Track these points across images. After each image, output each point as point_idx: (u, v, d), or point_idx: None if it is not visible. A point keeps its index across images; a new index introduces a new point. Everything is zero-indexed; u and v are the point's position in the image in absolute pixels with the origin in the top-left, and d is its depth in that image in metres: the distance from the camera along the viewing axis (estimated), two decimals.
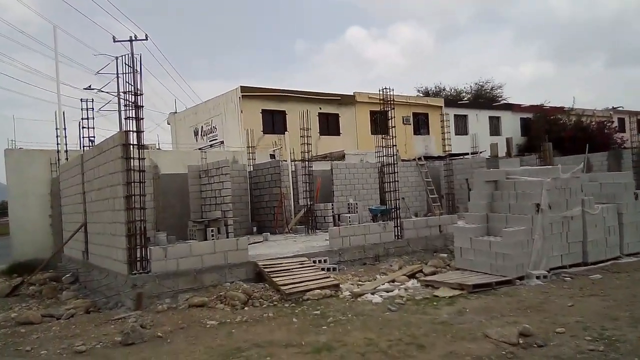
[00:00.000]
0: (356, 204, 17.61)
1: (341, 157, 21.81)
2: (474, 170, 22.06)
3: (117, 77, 29.17)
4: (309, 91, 24.52)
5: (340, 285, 8.72)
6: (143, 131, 8.61)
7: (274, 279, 8.62)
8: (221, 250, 8.95)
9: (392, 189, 11.82)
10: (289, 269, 9.11)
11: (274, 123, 23.39)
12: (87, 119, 11.28)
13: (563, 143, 28.50)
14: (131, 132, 8.50)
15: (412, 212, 19.81)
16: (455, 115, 29.77)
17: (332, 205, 16.92)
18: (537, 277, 8.49)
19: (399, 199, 11.83)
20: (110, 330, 6.85)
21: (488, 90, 45.40)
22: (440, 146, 28.63)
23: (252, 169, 17.68)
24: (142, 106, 8.55)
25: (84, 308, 8.61)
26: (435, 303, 7.47)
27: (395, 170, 11.99)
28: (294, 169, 17.50)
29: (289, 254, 10.08)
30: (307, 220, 15.88)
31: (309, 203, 15.21)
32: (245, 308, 7.80)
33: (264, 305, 7.92)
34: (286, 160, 17.41)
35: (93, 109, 11.47)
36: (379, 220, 17.09)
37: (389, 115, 11.96)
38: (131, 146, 8.49)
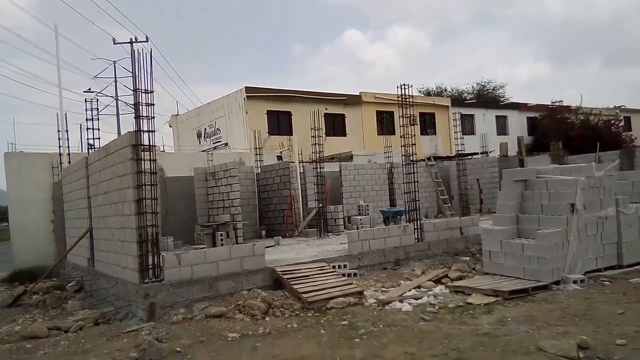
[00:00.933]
0: (367, 205, 17.12)
1: (349, 158, 21.33)
2: (485, 170, 21.72)
3: (115, 81, 28.81)
4: (314, 91, 24.04)
5: (364, 292, 8.22)
6: (155, 131, 8.11)
7: (294, 286, 8.11)
8: (237, 256, 8.44)
9: (410, 190, 11.31)
10: (309, 275, 8.60)
11: (280, 124, 22.91)
12: (92, 119, 10.77)
13: (572, 142, 28.04)
14: (141, 132, 7.99)
15: (422, 214, 19.30)
16: (462, 114, 29.29)
17: (342, 207, 16.43)
18: (574, 282, 7.99)
19: (417, 200, 11.32)
20: (124, 344, 6.33)
21: (490, 90, 44.99)
22: (448, 146, 28.24)
23: (259, 171, 17.16)
24: (153, 104, 8.06)
25: (92, 319, 8.08)
26: (471, 311, 6.96)
27: (414, 170, 11.47)
28: (302, 171, 17.01)
29: (307, 259, 9.57)
30: (317, 223, 15.39)
31: (320, 205, 14.71)
32: (266, 318, 7.29)
33: (286, 315, 7.41)
34: (294, 162, 16.92)
35: (98, 109, 10.95)
36: (390, 222, 16.63)
37: (406, 113, 11.47)
38: (141, 147, 7.99)
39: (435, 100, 28.83)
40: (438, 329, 6.20)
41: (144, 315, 7.46)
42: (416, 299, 7.82)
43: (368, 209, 16.95)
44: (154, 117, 8.06)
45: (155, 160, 8.05)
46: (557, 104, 34.21)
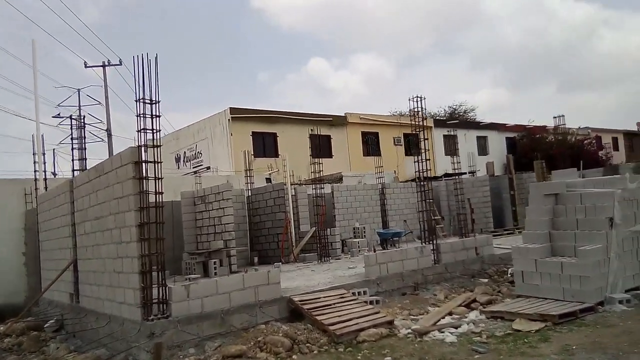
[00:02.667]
0: (364, 227, 16.38)
1: (339, 179, 20.65)
2: (476, 189, 21.38)
3: (80, 109, 27.50)
4: (300, 112, 23.43)
5: (394, 322, 7.41)
6: (161, 145, 7.21)
7: (318, 317, 7.23)
8: (251, 286, 7.52)
9: (424, 209, 10.66)
10: (330, 305, 7.74)
11: (265, 146, 22.11)
12: (80, 137, 9.73)
13: (552, 161, 28.21)
14: (145, 147, 7.09)
15: (415, 235, 18.69)
16: (444, 135, 29.23)
17: (337, 230, 15.64)
18: (620, 302, 7.41)
19: (434, 219, 10.67)
20: None
21: (461, 113, 45.59)
22: (432, 167, 28.00)
23: (250, 194, 16.24)
24: (160, 115, 7.18)
25: None
26: (525, 340, 6.24)
27: (429, 187, 10.86)
28: (293, 193, 16.20)
29: (321, 286, 8.71)
30: (312, 248, 14.55)
31: (318, 229, 13.88)
32: (293, 356, 6.40)
33: (314, 351, 6.52)
34: (285, 184, 16.10)
35: (84, 126, 9.92)
36: (388, 244, 15.93)
37: (417, 131, 10.91)
38: (145, 164, 7.08)
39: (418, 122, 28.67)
40: None
41: (149, 358, 6.42)
42: (455, 328, 7.06)
43: (365, 231, 16.21)
44: (159, 131, 7.18)
45: (162, 178, 7.14)
46: (532, 124, 34.74)
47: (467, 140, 30.25)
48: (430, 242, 10.22)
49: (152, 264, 6.91)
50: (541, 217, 8.54)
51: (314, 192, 14.07)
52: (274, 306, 7.67)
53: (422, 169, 10.85)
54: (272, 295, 7.69)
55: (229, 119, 21.09)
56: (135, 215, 6.98)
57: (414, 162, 11.05)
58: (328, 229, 14.87)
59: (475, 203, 20.72)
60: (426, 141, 10.92)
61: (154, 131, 7.18)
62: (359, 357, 6.16)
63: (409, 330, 7.09)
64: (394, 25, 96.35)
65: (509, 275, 10.22)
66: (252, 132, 21.67)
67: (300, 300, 7.73)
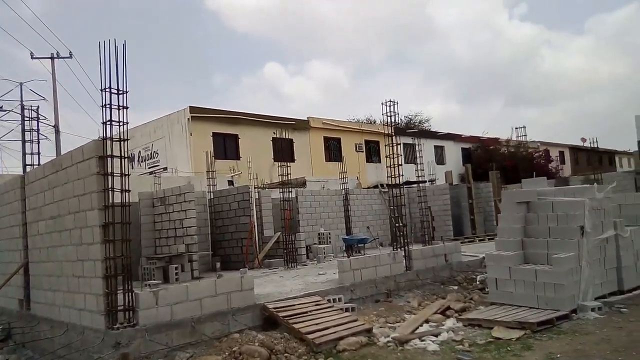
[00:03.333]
0: (329, 233, 16.17)
1: (302, 184, 20.37)
2: (437, 197, 21.66)
3: (22, 103, 25.82)
4: (262, 114, 23.02)
5: (373, 330, 7.20)
6: (128, 139, 6.72)
7: (295, 326, 6.91)
8: (223, 292, 7.12)
9: (398, 214, 10.57)
10: (306, 312, 7.44)
11: (226, 147, 21.53)
12: (32, 131, 8.98)
13: (506, 172, 29.13)
14: (111, 141, 6.58)
15: (378, 242, 18.67)
16: (404, 143, 29.51)
17: (301, 235, 15.34)
18: (592, 310, 7.52)
19: (405, 225, 10.60)
20: None
21: (417, 123, 46.58)
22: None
23: (212, 197, 15.69)
24: (127, 107, 6.69)
25: None
26: (508, 348, 6.18)
27: (402, 193, 10.78)
28: (257, 197, 15.79)
29: (294, 292, 8.40)
30: (276, 254, 14.21)
31: (285, 234, 13.55)
32: None
33: None
34: (249, 187, 15.67)
35: (38, 118, 9.17)
36: (354, 251, 15.78)
37: (390, 134, 10.82)
38: (111, 158, 6.57)
39: (380, 129, 28.85)
40: None
41: None
42: (435, 336, 6.92)
43: (330, 237, 16.00)
44: (127, 123, 6.68)
45: (129, 175, 6.64)
46: (486, 135, 35.81)
47: (425, 149, 30.71)
48: (402, 248, 10.12)
49: (117, 267, 6.39)
50: (514, 224, 8.60)
51: (281, 196, 13.70)
52: (247, 314, 7.30)
53: (394, 174, 10.74)
54: (245, 302, 7.31)
55: (188, 118, 20.41)
56: (99, 214, 6.45)
57: (387, 167, 10.95)
58: (294, 235, 14.55)
59: (436, 211, 21.00)
60: (390, 147, 10.83)
61: (121, 123, 6.68)
62: None
63: (389, 339, 6.90)
64: (351, 35, 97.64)
65: (478, 283, 10.28)
66: (213, 133, 21.06)
67: (275, 308, 7.39)
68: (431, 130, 33.58)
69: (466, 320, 7.60)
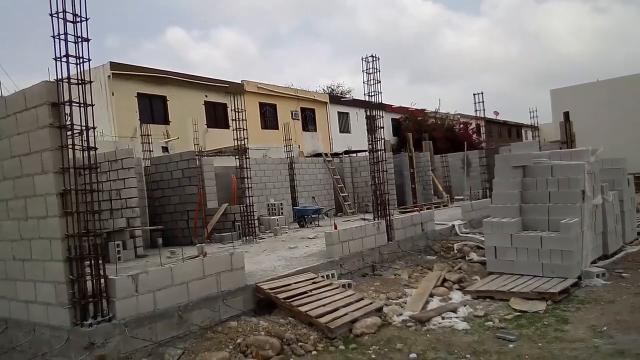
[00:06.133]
0: (281, 204, 15.08)
1: (242, 152, 18.88)
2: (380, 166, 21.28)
3: None
4: (193, 74, 20.97)
5: (383, 309, 6.41)
6: (91, 82, 5.19)
7: (301, 309, 5.91)
8: (212, 273, 5.90)
9: (380, 181, 9.80)
10: (305, 292, 6.44)
11: (153, 110, 19.31)
12: None
13: (435, 142, 29.61)
14: (69, 83, 5.02)
15: (323, 213, 17.92)
16: (338, 112, 28.86)
17: (253, 206, 14.11)
18: (597, 276, 7.31)
19: (388, 193, 9.86)
20: None
21: (339, 94, 46.20)
22: (327, 144, 27.46)
23: (149, 164, 13.89)
24: (89, 39, 5.11)
25: None
26: (544, 322, 5.67)
27: (383, 159, 10.01)
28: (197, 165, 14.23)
29: (279, 269, 7.36)
30: (225, 227, 12.93)
31: (232, 205, 12.26)
32: None
33: (311, 351, 5.25)
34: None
35: None
36: (307, 223, 14.87)
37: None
38: (68, 106, 5.03)
39: (315, 96, 27.83)
40: (550, 355, 4.73)
41: None
42: (454, 312, 6.28)
43: (282, 209, 14.93)
44: (90, 60, 5.12)
45: (94, 128, 5.15)
46: (414, 106, 36.23)
47: (359, 119, 30.33)
48: (384, 218, 9.38)
49: (82, 247, 4.95)
50: (511, 190, 8.17)
51: (237, 163, 12.38)
52: (239, 297, 6.15)
53: (377, 138, 9.91)
54: (236, 284, 6.15)
55: (109, 76, 17.92)
56: (56, 179, 4.94)
57: (369, 136, 10.07)
58: (252, 206, 13.25)
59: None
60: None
61: (81, 60, 5.11)
62: (373, 357, 5.03)
63: (405, 318, 6.15)
64: (259, 2, 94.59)
65: (456, 251, 9.89)
66: (138, 94, 18.76)
67: (271, 289, 6.30)
68: (364, 100, 33.18)
69: (475, 292, 7.05)
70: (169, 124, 19.60)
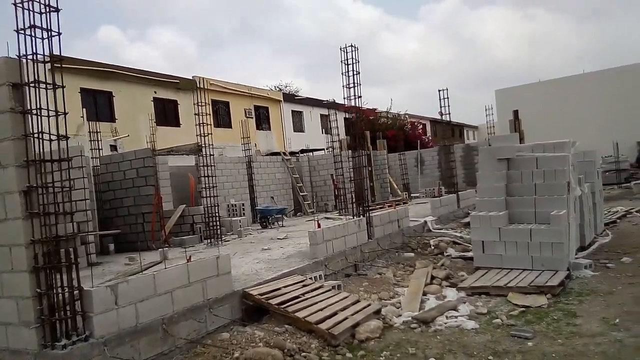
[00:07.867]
0: (242, 204, 14.38)
1: (197, 150, 17.94)
2: (337, 164, 20.94)
3: None
4: (141, 69, 19.70)
5: (381, 311, 6.01)
6: (62, 59, 4.45)
7: (298, 315, 5.38)
8: (198, 280, 5.25)
9: (360, 177, 9.39)
10: (298, 297, 5.92)
11: (98, 106, 17.92)
12: None
13: (388, 141, 29.78)
14: (34, 60, 4.26)
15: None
16: (292, 111, 28.28)
17: (218, 207, 13.34)
18: (585, 267, 7.27)
19: (367, 189, 9.48)
20: None
21: (288, 94, 45.73)
22: (281, 143, 26.82)
23: (97, 164, 12.79)
24: (59, 9, 4.36)
25: None
26: (553, 317, 5.47)
27: (362, 154, 9.63)
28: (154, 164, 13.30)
29: (262, 272, 6.78)
30: (182, 230, 12.13)
31: (208, 205, 11.46)
32: None
33: None
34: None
35: None
36: (269, 224, 14.23)
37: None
38: (34, 88, 4.28)
39: (269, 94, 27.11)
40: (575, 350, 4.50)
41: None
42: (455, 310, 5.98)
43: (244, 209, 14.23)
44: (60, 34, 4.37)
45: (67, 113, 4.41)
46: (365, 106, 36.32)
47: (312, 118, 29.95)
48: (363, 215, 9.00)
49: (50, 255, 4.20)
50: (496, 183, 8.02)
51: (201, 161, 11.60)
52: (226, 305, 5.54)
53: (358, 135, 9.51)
54: (222, 291, 5.53)
55: (49, 69, 16.42)
56: (18, 174, 4.16)
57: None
58: (217, 207, 12.44)
59: (339, 179, 20.32)
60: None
61: (49, 34, 4.37)
62: None
63: (407, 319, 5.79)
64: (198, 2, 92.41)
65: (433, 248, 9.69)
66: (81, 89, 17.36)
67: (261, 294, 5.73)
68: (317, 98, 32.71)
69: (469, 288, 6.80)
70: (114, 122, 18.30)
